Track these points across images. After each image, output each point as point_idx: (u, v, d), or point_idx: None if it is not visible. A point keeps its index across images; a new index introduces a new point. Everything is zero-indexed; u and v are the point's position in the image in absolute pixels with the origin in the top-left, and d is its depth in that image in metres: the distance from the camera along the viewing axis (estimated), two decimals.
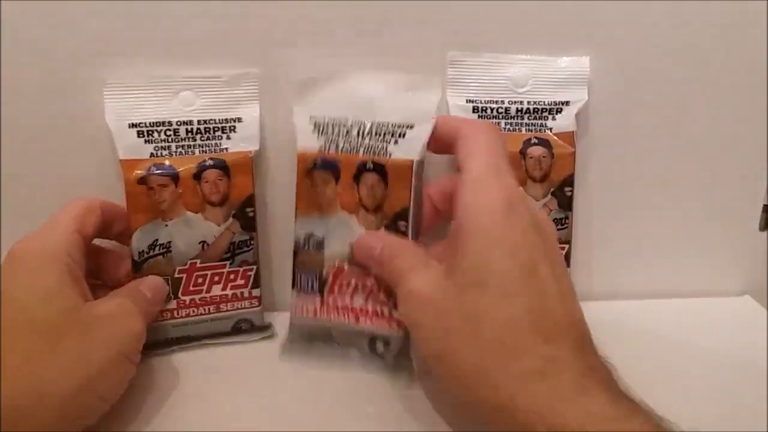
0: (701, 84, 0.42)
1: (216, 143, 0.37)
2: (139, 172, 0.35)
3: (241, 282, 0.38)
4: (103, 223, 0.35)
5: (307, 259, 0.36)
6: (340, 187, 0.35)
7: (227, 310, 0.38)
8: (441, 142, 0.34)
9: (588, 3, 0.39)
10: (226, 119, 0.38)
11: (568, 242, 0.42)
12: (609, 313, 0.44)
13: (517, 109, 0.41)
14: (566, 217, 0.41)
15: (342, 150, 0.35)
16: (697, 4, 0.40)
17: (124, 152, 0.36)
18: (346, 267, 0.35)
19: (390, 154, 0.34)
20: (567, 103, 0.41)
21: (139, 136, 0.36)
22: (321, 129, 0.35)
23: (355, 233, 0.35)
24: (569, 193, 0.41)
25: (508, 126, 0.41)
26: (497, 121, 0.41)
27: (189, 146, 0.37)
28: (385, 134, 0.35)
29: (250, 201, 0.37)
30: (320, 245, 0.35)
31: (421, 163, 0.35)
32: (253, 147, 0.38)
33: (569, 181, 0.41)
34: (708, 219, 0.46)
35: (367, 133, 0.35)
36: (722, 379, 0.38)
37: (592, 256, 0.45)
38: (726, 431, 0.33)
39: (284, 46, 0.38)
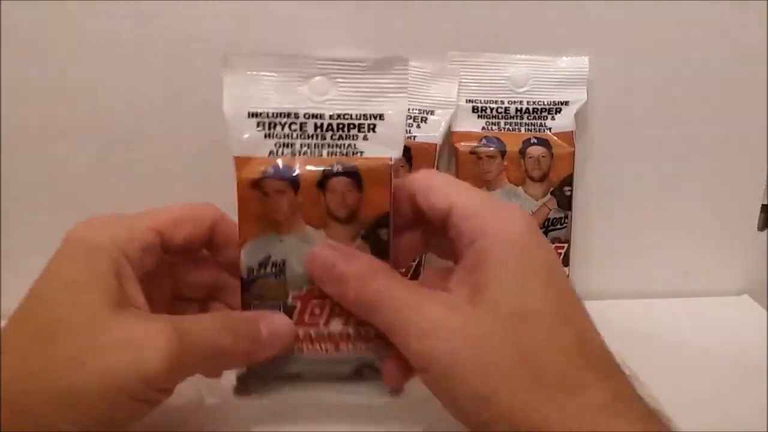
0: (701, 84, 0.42)
1: (349, 144, 0.30)
2: (254, 172, 0.29)
3: None
4: (207, 238, 0.30)
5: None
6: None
7: (348, 351, 0.31)
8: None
9: (588, 3, 0.39)
10: (364, 115, 0.30)
11: (567, 242, 0.42)
12: (607, 313, 0.44)
13: (516, 108, 0.41)
14: (565, 217, 0.41)
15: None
16: (697, 4, 0.40)
17: (239, 148, 0.30)
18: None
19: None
20: (566, 103, 0.41)
21: (258, 129, 0.30)
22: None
23: None
24: (568, 193, 0.41)
25: (507, 126, 0.41)
26: (497, 120, 0.41)
27: (317, 145, 0.30)
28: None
29: (384, 221, 0.30)
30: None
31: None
32: (393, 153, 0.30)
33: (568, 180, 0.41)
34: (707, 219, 0.46)
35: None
36: (721, 378, 0.38)
37: (591, 255, 0.45)
38: (726, 431, 0.33)
39: (289, 46, 0.38)
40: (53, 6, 0.36)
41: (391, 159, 0.30)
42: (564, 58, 0.40)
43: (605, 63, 0.41)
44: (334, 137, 0.30)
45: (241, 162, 0.29)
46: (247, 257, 0.30)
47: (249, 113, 0.30)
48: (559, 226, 0.41)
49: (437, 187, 0.29)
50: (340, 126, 0.30)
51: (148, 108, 0.39)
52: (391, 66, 0.30)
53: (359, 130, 0.30)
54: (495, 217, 0.27)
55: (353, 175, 0.29)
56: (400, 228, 0.30)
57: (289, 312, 0.30)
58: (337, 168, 0.29)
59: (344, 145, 0.30)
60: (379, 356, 0.31)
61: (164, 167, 0.41)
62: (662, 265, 0.47)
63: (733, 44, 0.41)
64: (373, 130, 0.30)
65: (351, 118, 0.30)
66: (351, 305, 0.28)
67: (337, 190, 0.29)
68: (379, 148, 0.30)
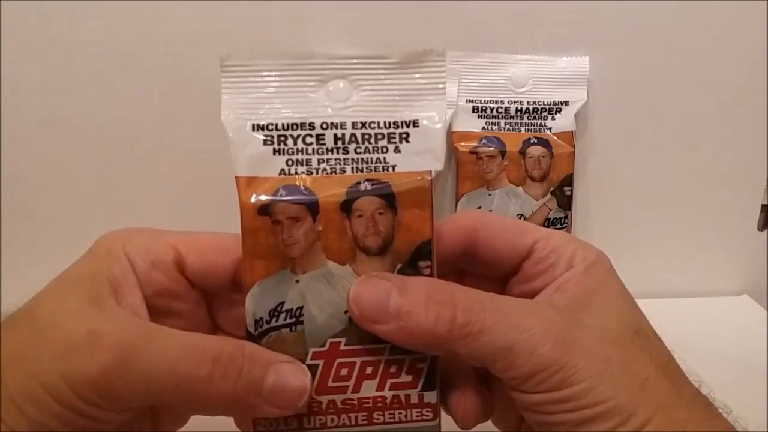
0: (701, 84, 0.42)
1: (378, 158, 0.25)
2: (261, 196, 0.24)
3: (408, 378, 0.25)
4: (231, 273, 0.26)
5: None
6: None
7: (384, 422, 0.25)
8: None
9: (588, 3, 0.39)
10: (394, 122, 0.25)
11: None
12: None
13: (516, 108, 0.41)
14: (565, 217, 0.41)
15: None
16: (697, 4, 0.40)
17: (243, 167, 0.25)
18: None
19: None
20: (566, 103, 0.41)
21: (266, 144, 0.25)
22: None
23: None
24: (568, 193, 0.41)
25: (507, 126, 0.41)
26: (497, 120, 0.41)
27: (338, 161, 0.25)
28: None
29: (425, 251, 0.25)
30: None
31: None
32: (433, 165, 0.25)
33: (568, 180, 0.41)
34: (707, 219, 0.46)
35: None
36: (721, 378, 0.38)
37: None
38: None
39: (289, 47, 0.38)
40: (53, 6, 0.36)
41: (431, 173, 0.25)
42: (564, 58, 0.41)
43: (605, 63, 0.41)
44: (358, 150, 0.25)
45: (244, 183, 0.24)
46: (254, 304, 0.24)
47: (254, 125, 0.25)
48: (559, 226, 0.41)
49: (509, 226, 0.27)
50: (366, 137, 0.25)
51: (148, 108, 0.39)
52: (424, 62, 0.25)
53: (389, 141, 0.25)
54: (581, 247, 0.26)
55: (385, 194, 0.24)
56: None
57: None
58: (365, 186, 0.24)
59: (372, 159, 0.25)
60: (425, 422, 0.25)
61: (164, 167, 0.41)
62: (662, 265, 0.47)
63: (733, 44, 0.41)
64: (406, 140, 0.25)
65: (378, 127, 0.25)
66: (440, 340, 0.22)
67: (366, 215, 0.24)
68: (415, 161, 0.25)
